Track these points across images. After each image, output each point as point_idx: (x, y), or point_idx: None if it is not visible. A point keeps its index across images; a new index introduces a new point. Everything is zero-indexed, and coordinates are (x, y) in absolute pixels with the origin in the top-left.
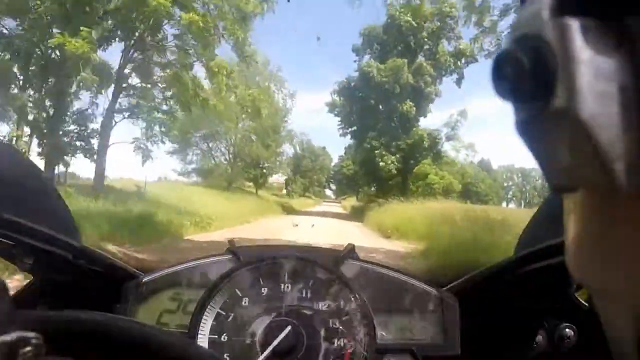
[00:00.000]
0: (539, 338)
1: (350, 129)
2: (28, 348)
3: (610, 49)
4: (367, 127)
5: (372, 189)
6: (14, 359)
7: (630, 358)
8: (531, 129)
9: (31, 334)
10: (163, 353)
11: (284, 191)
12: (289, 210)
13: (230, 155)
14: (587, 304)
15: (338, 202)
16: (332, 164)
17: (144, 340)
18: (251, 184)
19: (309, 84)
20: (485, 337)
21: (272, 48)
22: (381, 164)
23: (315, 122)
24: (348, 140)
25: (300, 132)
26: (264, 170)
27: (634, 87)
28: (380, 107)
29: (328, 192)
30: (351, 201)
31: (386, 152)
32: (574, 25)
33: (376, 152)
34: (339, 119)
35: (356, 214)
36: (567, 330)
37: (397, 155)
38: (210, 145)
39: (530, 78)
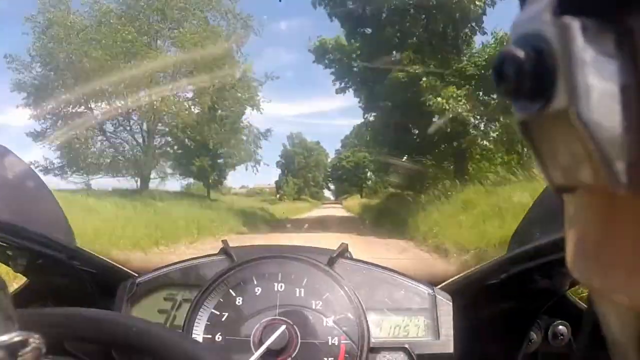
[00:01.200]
0: (533, 336)
1: (352, 80)
2: (28, 348)
3: (611, 49)
4: (391, 47)
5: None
6: (13, 359)
7: (630, 358)
8: (532, 128)
9: (30, 334)
10: (162, 349)
11: (278, 195)
12: (263, 223)
13: (144, 134)
14: (581, 302)
15: (339, 203)
16: (329, 159)
17: (144, 337)
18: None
19: (307, 90)
20: (479, 335)
21: (267, 53)
22: (432, 102)
23: (310, 122)
24: (346, 118)
25: (294, 132)
26: (219, 160)
27: (635, 87)
28: (413, 10)
29: (327, 193)
30: (354, 200)
31: (438, 82)
32: (575, 25)
33: (423, 82)
34: (331, 70)
35: (373, 219)
36: (561, 327)
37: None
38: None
39: (531, 78)
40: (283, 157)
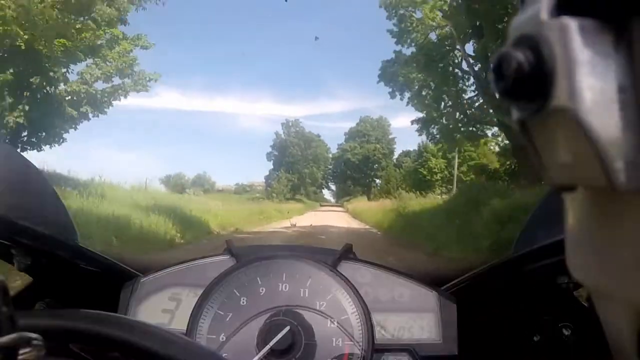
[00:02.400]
0: (537, 337)
1: None
2: (28, 348)
3: (609, 49)
4: None
5: None
6: None
7: (630, 358)
8: (531, 127)
9: (31, 335)
10: (164, 351)
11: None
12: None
13: None
14: (585, 303)
15: (339, 206)
16: (330, 155)
17: (144, 339)
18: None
19: (310, 91)
20: (484, 336)
21: (272, 51)
22: None
23: (311, 124)
24: (350, 121)
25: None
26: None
27: (633, 86)
28: None
29: (327, 194)
30: (360, 202)
31: None
32: (573, 25)
33: None
34: None
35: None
36: (565, 329)
37: None
38: None
39: (529, 78)
40: (275, 148)
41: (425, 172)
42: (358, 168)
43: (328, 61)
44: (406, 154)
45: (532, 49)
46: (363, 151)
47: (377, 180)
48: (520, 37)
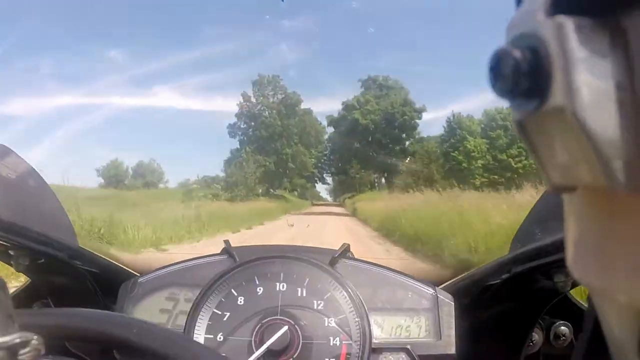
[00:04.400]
0: (535, 336)
1: None
2: (27, 348)
3: (605, 47)
4: None
5: None
6: (13, 359)
7: (630, 358)
8: (529, 127)
9: (30, 334)
10: (162, 350)
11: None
12: None
13: None
14: (583, 302)
15: (340, 207)
16: (325, 136)
17: (144, 338)
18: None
19: (309, 90)
20: (481, 336)
21: (273, 47)
22: None
23: None
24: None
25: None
26: None
27: (630, 84)
28: None
29: (322, 190)
30: (378, 202)
31: None
32: (570, 24)
33: None
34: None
35: None
36: (562, 328)
37: None
38: None
39: (527, 77)
40: (242, 117)
41: (461, 157)
42: (373, 138)
43: (326, 60)
44: (420, 139)
45: (530, 48)
46: (383, 107)
47: (416, 157)
48: (518, 35)
